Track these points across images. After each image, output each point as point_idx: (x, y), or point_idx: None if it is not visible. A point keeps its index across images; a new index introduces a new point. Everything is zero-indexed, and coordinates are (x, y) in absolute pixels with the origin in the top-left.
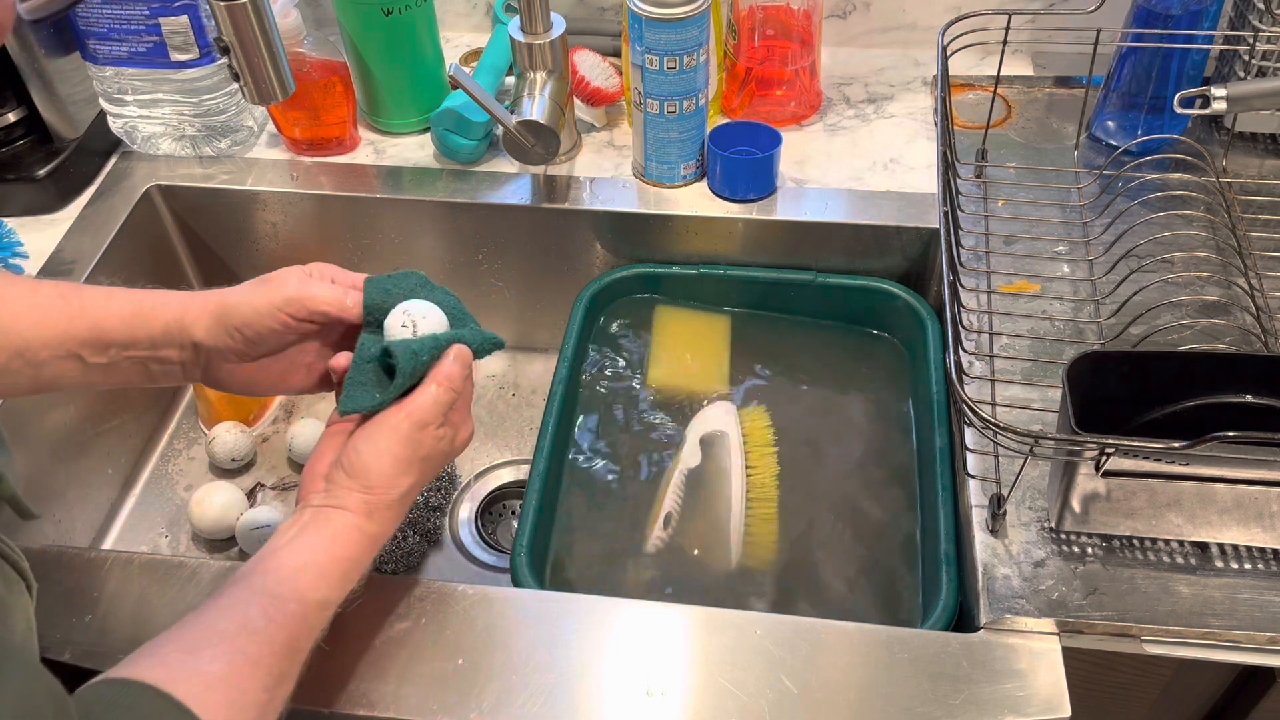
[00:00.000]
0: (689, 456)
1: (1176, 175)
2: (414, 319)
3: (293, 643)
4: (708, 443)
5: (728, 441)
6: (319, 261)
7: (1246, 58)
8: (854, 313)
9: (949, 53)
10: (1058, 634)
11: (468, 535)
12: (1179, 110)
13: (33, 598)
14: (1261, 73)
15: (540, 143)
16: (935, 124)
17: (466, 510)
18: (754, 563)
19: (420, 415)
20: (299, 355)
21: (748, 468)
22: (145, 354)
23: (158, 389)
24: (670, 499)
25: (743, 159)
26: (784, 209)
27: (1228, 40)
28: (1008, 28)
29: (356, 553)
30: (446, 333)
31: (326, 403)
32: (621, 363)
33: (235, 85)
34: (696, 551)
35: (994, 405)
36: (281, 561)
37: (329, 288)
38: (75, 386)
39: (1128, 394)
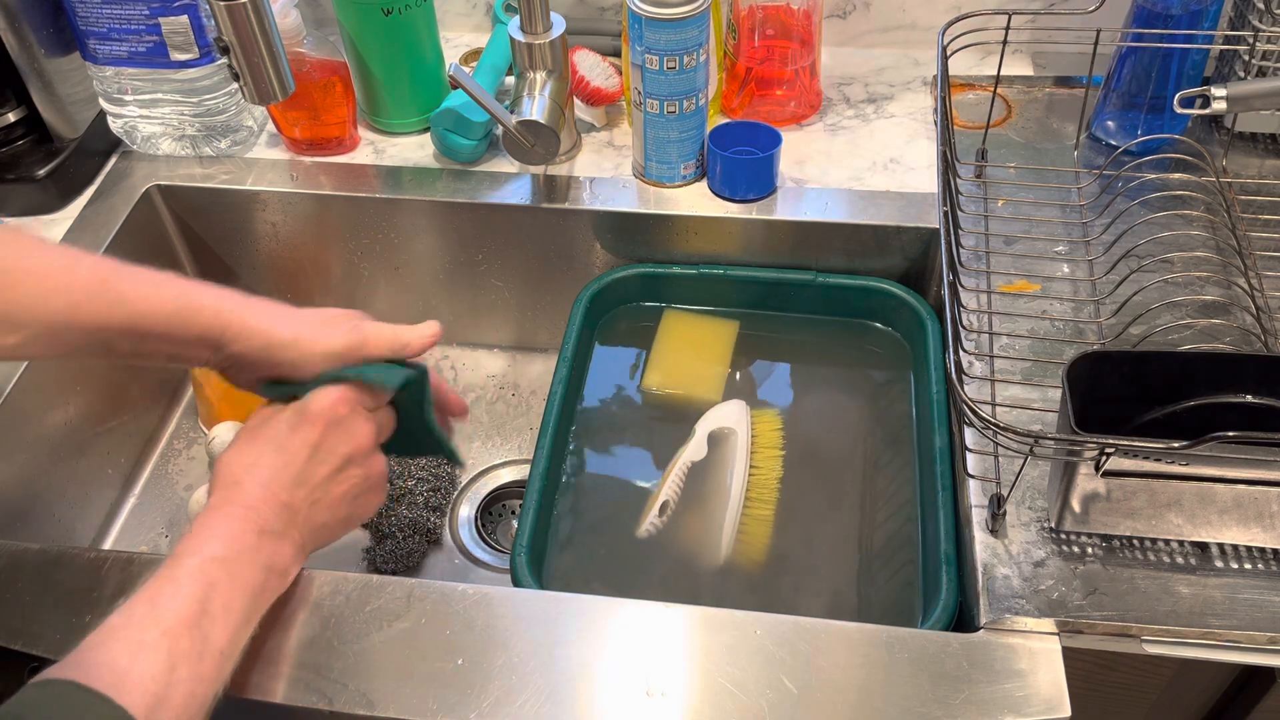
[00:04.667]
0: (695, 450)
1: (1176, 175)
2: None
3: (185, 620)
4: (716, 439)
5: (735, 439)
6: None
7: (1246, 58)
8: (854, 313)
9: (949, 53)
10: (1058, 634)
11: (468, 535)
12: (1179, 110)
13: None
14: (1261, 73)
15: (540, 143)
16: (935, 124)
17: (466, 510)
18: (743, 561)
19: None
20: None
21: (752, 468)
22: (177, 350)
23: (158, 391)
24: (669, 488)
25: (743, 159)
26: (784, 209)
27: (1228, 40)
28: (1008, 28)
29: (222, 526)
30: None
31: None
32: (623, 363)
33: (235, 85)
34: (687, 543)
35: (994, 405)
36: (173, 551)
37: (386, 331)
38: (95, 360)
39: (1128, 394)
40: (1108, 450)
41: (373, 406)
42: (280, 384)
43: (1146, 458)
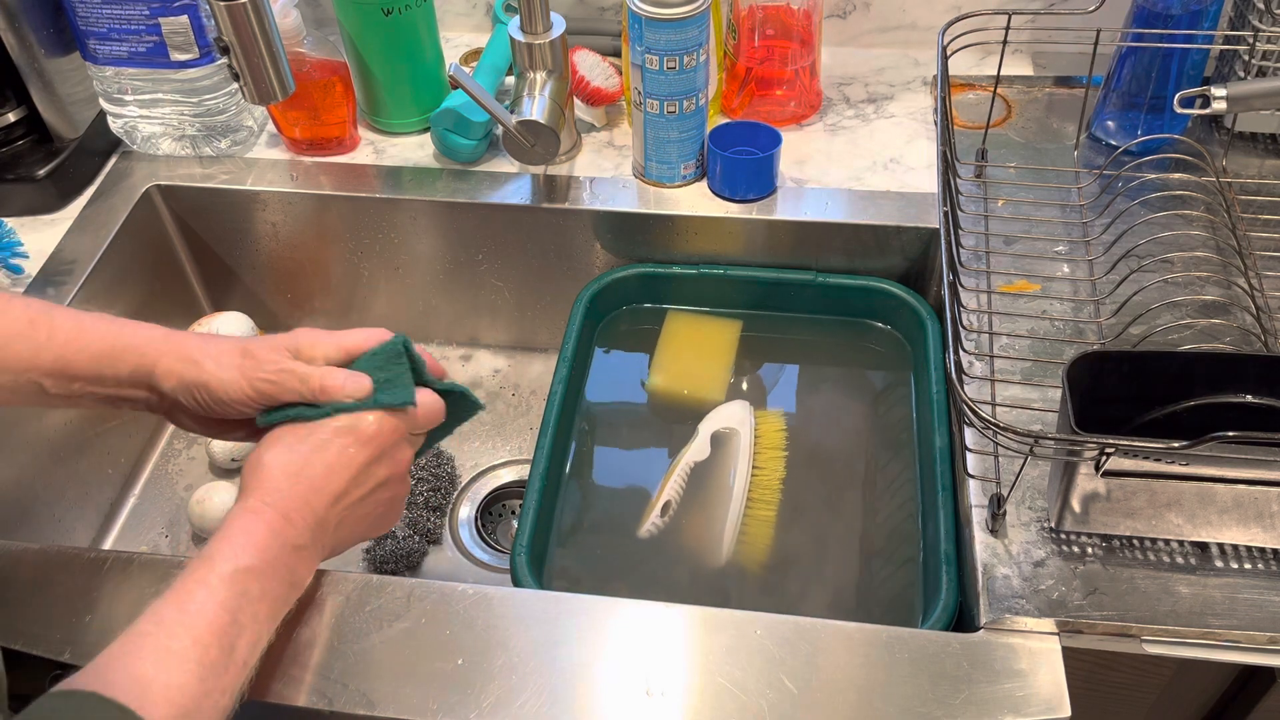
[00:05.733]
0: (698, 450)
1: (1176, 175)
2: None
3: (215, 629)
4: (719, 439)
5: (738, 440)
6: (304, 328)
7: (1246, 58)
8: (854, 313)
9: (949, 53)
10: (1058, 634)
11: (468, 535)
12: (1179, 110)
13: None
14: (1261, 73)
15: (540, 143)
16: (935, 124)
17: (466, 510)
18: (745, 561)
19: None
20: None
21: (754, 468)
22: (111, 391)
23: None
24: (671, 488)
25: (743, 159)
26: (784, 209)
27: (1228, 40)
28: (1008, 28)
29: (256, 536)
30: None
31: None
32: (623, 363)
33: (235, 85)
34: (689, 543)
35: (994, 405)
36: (204, 551)
37: (304, 376)
38: (35, 406)
39: (1128, 394)
40: (1108, 450)
41: (418, 432)
42: (275, 411)
43: (1146, 458)
